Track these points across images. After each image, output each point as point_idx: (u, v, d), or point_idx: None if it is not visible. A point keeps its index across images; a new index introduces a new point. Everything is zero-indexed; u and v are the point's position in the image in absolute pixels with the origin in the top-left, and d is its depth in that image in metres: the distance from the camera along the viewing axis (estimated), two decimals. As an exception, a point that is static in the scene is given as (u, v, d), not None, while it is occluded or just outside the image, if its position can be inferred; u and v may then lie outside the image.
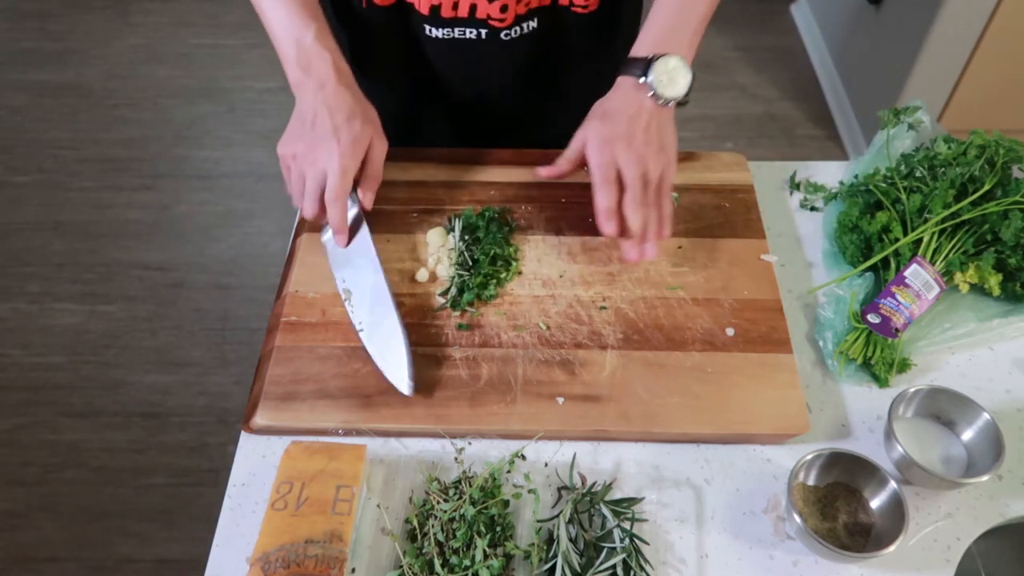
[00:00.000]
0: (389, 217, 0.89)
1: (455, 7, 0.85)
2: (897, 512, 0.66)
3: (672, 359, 0.77)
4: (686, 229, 0.88)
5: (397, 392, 0.74)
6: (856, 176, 0.93)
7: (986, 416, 0.71)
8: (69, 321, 2.01)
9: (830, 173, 0.98)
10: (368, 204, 0.83)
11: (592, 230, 0.88)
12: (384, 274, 0.82)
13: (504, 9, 0.85)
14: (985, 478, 0.68)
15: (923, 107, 0.94)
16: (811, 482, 0.70)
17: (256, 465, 0.73)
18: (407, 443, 0.74)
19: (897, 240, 0.83)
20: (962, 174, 0.85)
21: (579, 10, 0.89)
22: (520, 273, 0.85)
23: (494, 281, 0.83)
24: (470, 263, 0.84)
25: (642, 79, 0.78)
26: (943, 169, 0.87)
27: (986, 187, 0.83)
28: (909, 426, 0.75)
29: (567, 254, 0.86)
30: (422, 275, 0.84)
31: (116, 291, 2.08)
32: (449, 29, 0.88)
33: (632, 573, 0.64)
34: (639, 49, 0.81)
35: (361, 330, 0.78)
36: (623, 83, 0.81)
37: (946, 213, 0.82)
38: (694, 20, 0.82)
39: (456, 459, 0.71)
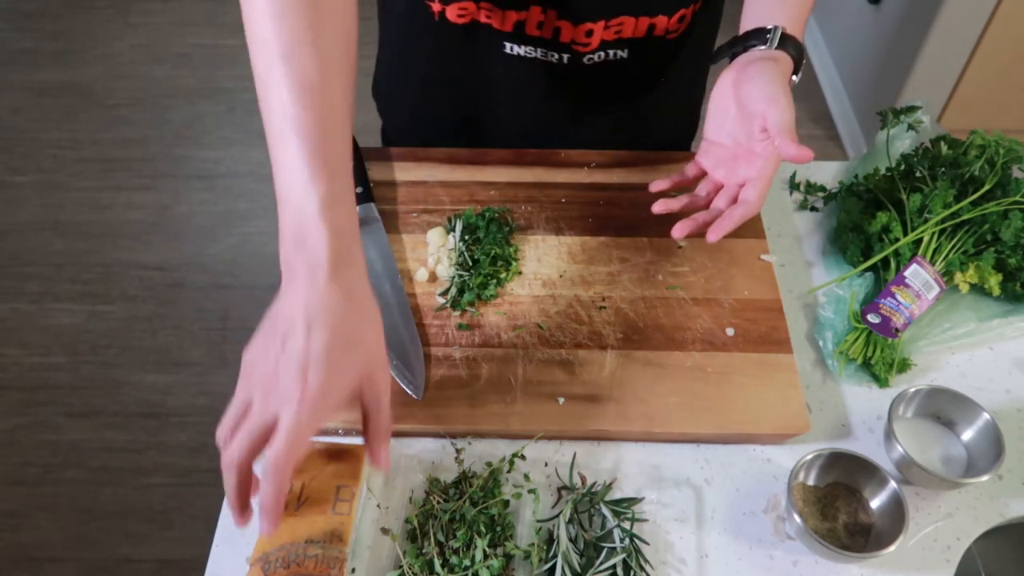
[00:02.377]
0: (389, 217, 0.89)
1: (540, 26, 0.83)
2: (897, 512, 0.66)
3: (672, 359, 0.77)
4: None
5: (397, 392, 0.74)
6: (856, 176, 0.93)
7: (986, 416, 0.71)
8: (69, 321, 2.01)
9: (830, 173, 0.98)
10: (385, 464, 0.60)
11: (591, 230, 0.88)
12: (398, 274, 0.83)
13: (589, 34, 0.83)
14: (985, 478, 0.68)
15: (923, 107, 0.94)
16: (811, 482, 0.70)
17: (256, 465, 0.73)
18: (407, 443, 0.74)
19: (897, 240, 0.83)
20: (962, 174, 0.85)
21: (672, 36, 0.87)
22: (520, 273, 0.85)
23: (494, 281, 0.83)
24: (470, 263, 0.84)
25: (794, 77, 0.75)
26: (943, 169, 0.87)
27: (986, 187, 0.83)
28: (909, 426, 0.75)
29: (567, 254, 0.86)
30: (421, 275, 0.84)
31: (116, 291, 2.08)
32: (532, 48, 0.86)
33: (632, 573, 0.64)
34: (795, 31, 0.75)
35: None
36: (787, 66, 0.73)
37: (946, 213, 0.82)
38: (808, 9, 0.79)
39: (456, 459, 0.71)
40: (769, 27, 0.74)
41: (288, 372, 0.53)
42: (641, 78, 0.93)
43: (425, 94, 0.99)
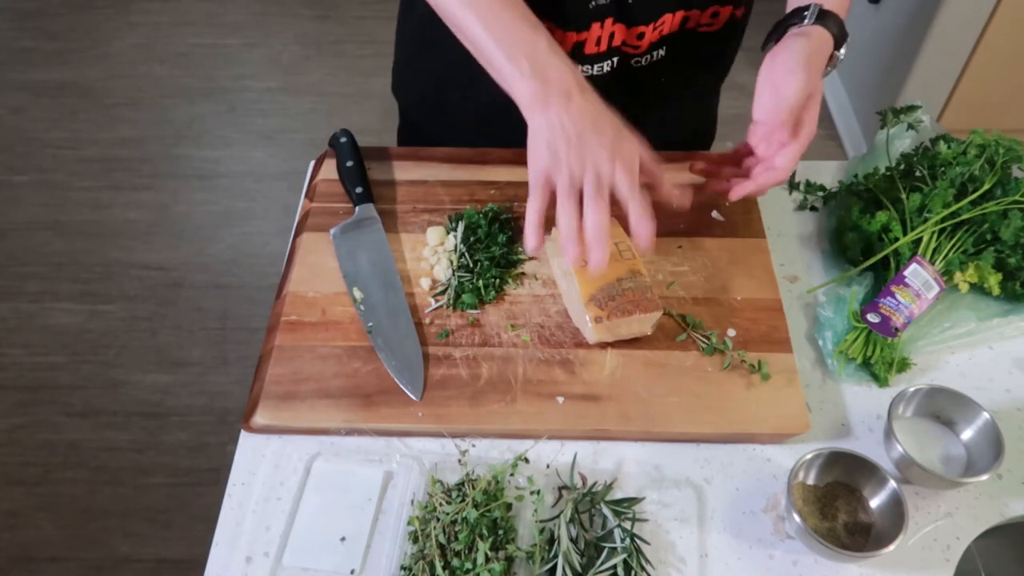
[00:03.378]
0: (389, 217, 0.89)
1: (598, 43, 0.84)
2: (897, 511, 0.66)
3: (672, 359, 0.77)
4: (686, 229, 0.88)
5: (397, 392, 0.75)
6: (856, 175, 0.93)
7: (986, 416, 0.71)
8: (69, 321, 2.01)
9: (830, 173, 0.98)
10: (685, 201, 0.77)
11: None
12: (396, 274, 0.83)
13: (640, 36, 0.85)
14: (985, 478, 0.68)
15: (923, 107, 0.94)
16: (811, 481, 0.70)
17: (256, 464, 0.73)
18: (408, 443, 0.74)
19: (897, 240, 0.83)
20: (962, 174, 0.85)
21: (705, 30, 0.88)
22: (521, 273, 0.85)
23: (495, 282, 0.83)
24: (471, 265, 0.84)
25: (837, 52, 0.78)
26: (943, 169, 0.87)
27: (986, 187, 0.83)
28: (909, 425, 0.75)
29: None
30: (424, 283, 0.83)
31: (116, 291, 2.08)
32: (588, 66, 0.87)
33: (633, 573, 0.64)
34: (838, 8, 0.78)
35: (370, 330, 0.79)
36: (824, 39, 0.77)
37: (946, 213, 0.82)
38: None
39: (460, 461, 0.71)
40: (807, 6, 0.77)
41: (597, 151, 0.68)
42: (678, 78, 0.94)
43: (465, 104, 0.98)
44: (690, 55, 0.92)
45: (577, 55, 0.85)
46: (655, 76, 0.92)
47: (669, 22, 0.86)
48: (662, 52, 0.89)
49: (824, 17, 0.77)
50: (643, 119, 0.97)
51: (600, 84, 0.87)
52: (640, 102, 0.95)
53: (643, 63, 0.89)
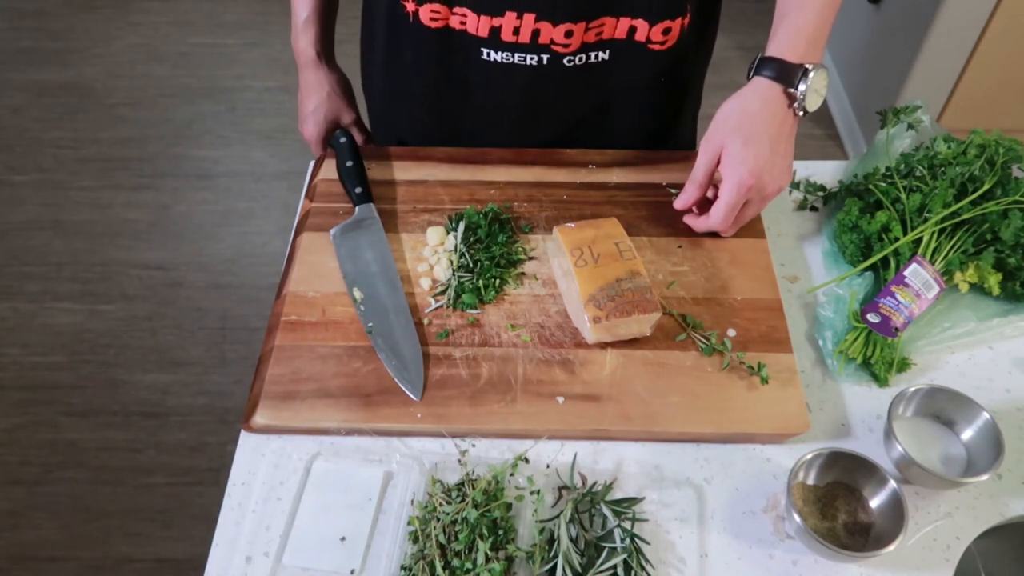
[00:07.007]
0: (389, 216, 0.89)
1: (516, 32, 0.84)
2: (897, 511, 0.66)
3: (672, 359, 0.77)
4: (686, 229, 0.88)
5: (397, 392, 0.75)
6: (856, 175, 0.93)
7: (986, 415, 0.71)
8: (69, 320, 2.01)
9: (830, 173, 0.98)
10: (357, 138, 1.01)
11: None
12: (396, 274, 0.83)
13: (569, 35, 0.84)
14: (985, 477, 0.68)
15: (923, 106, 0.94)
16: (811, 481, 0.70)
17: (256, 464, 0.73)
18: (408, 443, 0.74)
19: (897, 239, 0.83)
20: (962, 173, 0.85)
21: (656, 47, 0.87)
22: (521, 273, 0.85)
23: (495, 282, 0.83)
24: (471, 264, 0.84)
25: (792, 89, 0.77)
26: (943, 168, 0.87)
27: (986, 186, 0.83)
28: (909, 425, 0.75)
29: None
30: (424, 283, 0.83)
31: (115, 290, 2.08)
32: (508, 54, 0.86)
33: (633, 573, 0.64)
34: (782, 50, 0.78)
35: (370, 330, 0.79)
36: (768, 89, 0.78)
37: (946, 212, 0.82)
38: (829, 25, 0.80)
39: (460, 461, 0.71)
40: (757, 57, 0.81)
41: (303, 122, 1.01)
42: (623, 86, 0.93)
43: (407, 100, 0.99)
44: (641, 71, 0.91)
45: (494, 41, 0.85)
46: (595, 81, 0.90)
47: (612, 26, 0.85)
48: (604, 56, 0.88)
49: (762, 66, 0.79)
50: (596, 120, 0.98)
51: (527, 75, 0.88)
52: (579, 105, 0.95)
53: (578, 63, 0.87)
